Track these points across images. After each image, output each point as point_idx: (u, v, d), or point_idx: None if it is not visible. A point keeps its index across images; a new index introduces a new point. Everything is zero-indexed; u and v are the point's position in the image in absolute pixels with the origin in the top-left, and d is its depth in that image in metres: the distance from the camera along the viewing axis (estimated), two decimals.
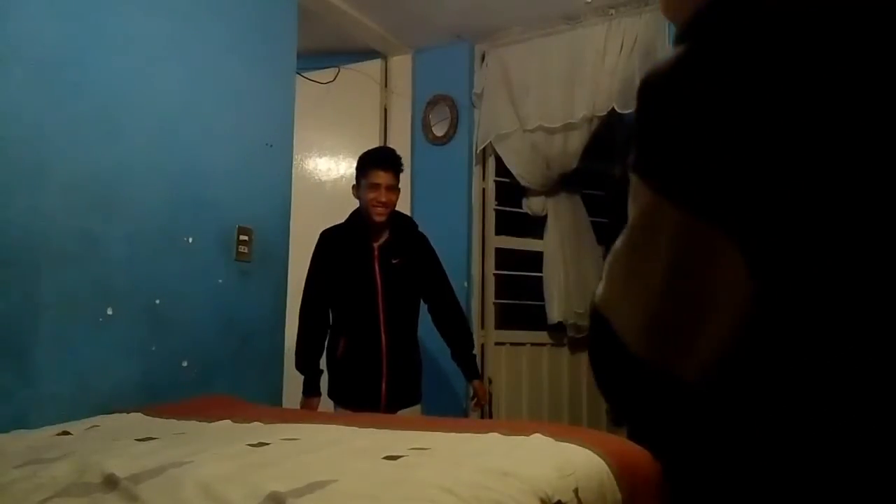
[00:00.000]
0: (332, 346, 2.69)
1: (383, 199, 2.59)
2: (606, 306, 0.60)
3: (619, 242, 0.59)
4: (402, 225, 2.78)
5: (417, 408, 2.87)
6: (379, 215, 2.60)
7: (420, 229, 2.90)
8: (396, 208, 2.74)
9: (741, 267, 0.51)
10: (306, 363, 2.61)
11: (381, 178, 2.59)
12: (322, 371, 2.67)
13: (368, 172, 2.61)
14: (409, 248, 2.74)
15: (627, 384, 0.61)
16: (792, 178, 0.50)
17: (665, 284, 0.54)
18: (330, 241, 2.70)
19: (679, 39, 0.58)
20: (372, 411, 2.51)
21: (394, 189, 2.65)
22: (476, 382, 2.89)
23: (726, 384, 0.55)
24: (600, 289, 0.61)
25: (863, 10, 0.52)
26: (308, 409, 2.55)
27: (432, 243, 2.96)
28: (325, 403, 2.70)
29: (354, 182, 2.70)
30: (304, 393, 2.60)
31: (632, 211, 0.57)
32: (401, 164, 2.70)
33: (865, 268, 0.50)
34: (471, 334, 2.95)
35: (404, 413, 2.73)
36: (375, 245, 2.65)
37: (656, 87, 0.57)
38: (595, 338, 0.62)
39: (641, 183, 0.56)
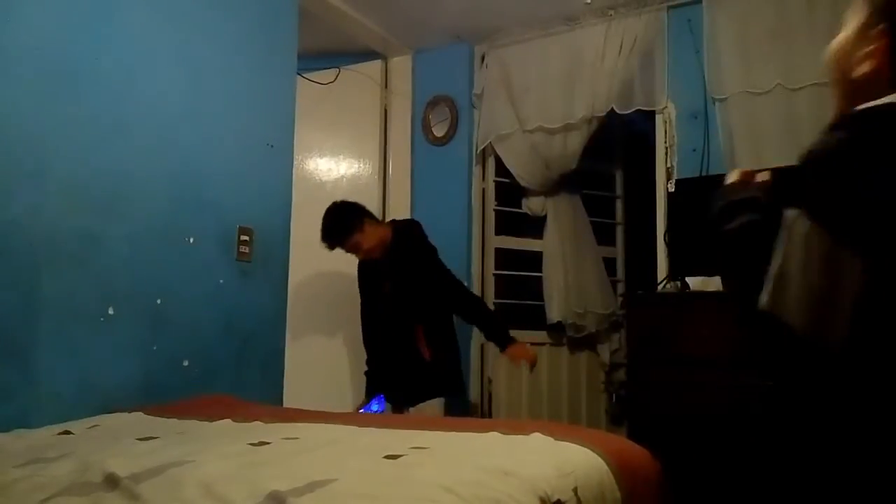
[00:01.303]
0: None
1: (359, 257, 2.91)
2: (775, 306, 0.90)
3: (775, 266, 0.90)
4: (396, 244, 2.92)
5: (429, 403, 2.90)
6: (364, 257, 2.91)
7: (419, 231, 3.00)
8: (398, 213, 3.00)
9: (859, 272, 0.85)
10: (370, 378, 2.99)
11: (332, 248, 2.84)
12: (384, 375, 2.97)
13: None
14: (401, 266, 2.89)
15: (789, 355, 0.94)
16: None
17: (819, 286, 0.87)
18: (359, 267, 3.04)
19: (837, 126, 0.96)
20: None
21: (353, 247, 2.85)
22: (510, 349, 2.96)
23: (853, 351, 0.88)
24: (766, 297, 0.91)
25: None
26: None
27: (432, 243, 2.97)
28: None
29: None
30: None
31: (787, 240, 0.90)
32: (336, 236, 2.82)
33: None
34: (489, 311, 3.18)
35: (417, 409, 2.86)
36: (381, 270, 2.91)
37: (826, 159, 0.92)
38: (767, 329, 0.94)
39: (807, 220, 0.88)
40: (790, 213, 0.90)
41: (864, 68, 1.02)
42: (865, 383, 0.89)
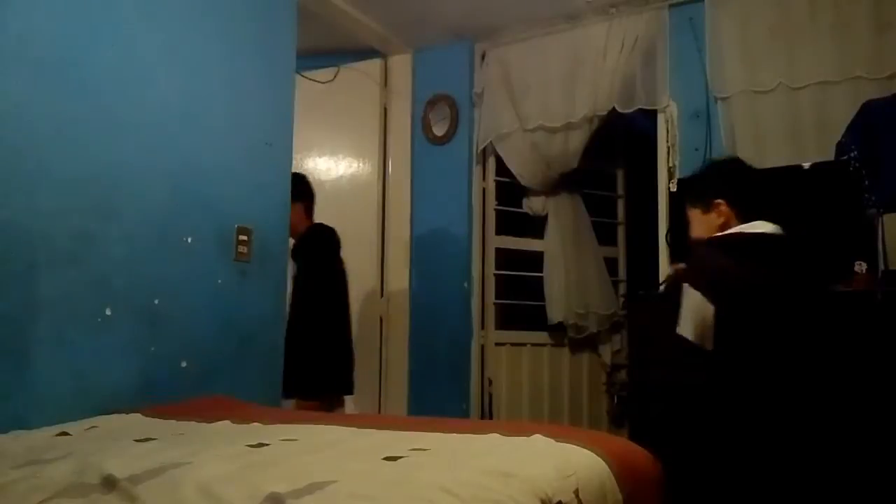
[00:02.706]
0: None
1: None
2: (682, 331, 1.84)
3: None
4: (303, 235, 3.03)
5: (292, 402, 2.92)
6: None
7: (319, 235, 3.06)
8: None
9: (714, 312, 1.78)
10: None
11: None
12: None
13: None
14: (299, 256, 2.99)
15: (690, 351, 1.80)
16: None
17: (700, 320, 1.81)
18: None
19: (707, 244, 1.99)
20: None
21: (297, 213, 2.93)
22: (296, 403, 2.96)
23: (717, 352, 1.79)
24: (678, 327, 1.85)
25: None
26: None
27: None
28: None
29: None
30: None
31: (685, 298, 1.85)
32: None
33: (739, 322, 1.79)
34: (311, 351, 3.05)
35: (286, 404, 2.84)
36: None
37: (696, 261, 2.00)
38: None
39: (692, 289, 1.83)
40: (685, 286, 1.86)
41: (719, 220, 2.01)
42: (725, 368, 1.75)
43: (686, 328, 1.81)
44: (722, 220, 1.99)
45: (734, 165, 2.17)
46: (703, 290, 1.78)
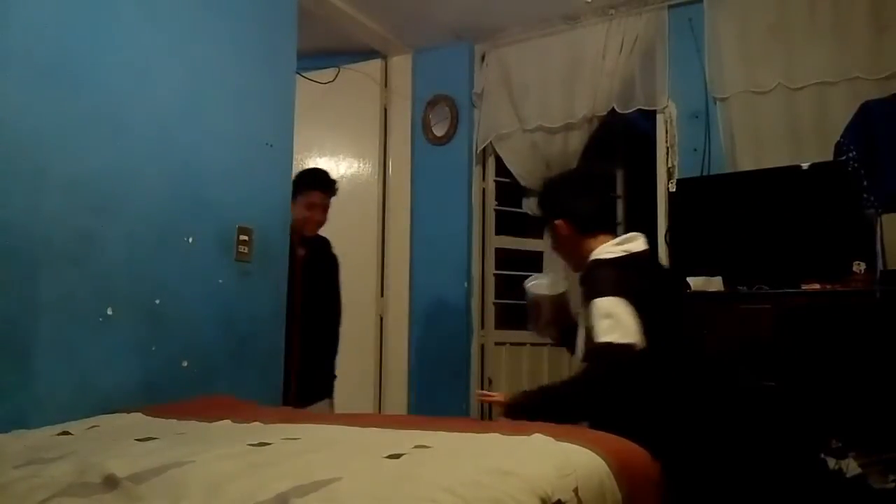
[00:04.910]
0: None
1: (318, 219, 2.93)
2: (608, 338, 1.72)
3: (605, 324, 1.74)
4: (320, 242, 3.04)
5: (326, 402, 2.96)
6: (311, 231, 2.92)
7: (333, 251, 3.09)
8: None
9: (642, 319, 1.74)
10: None
11: (319, 198, 2.91)
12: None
13: (308, 191, 2.89)
14: (326, 260, 3.02)
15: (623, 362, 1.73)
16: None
17: (621, 320, 1.74)
18: None
19: (599, 266, 1.91)
20: (286, 403, 2.71)
21: (327, 209, 2.96)
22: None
23: (645, 353, 1.73)
24: (611, 336, 1.73)
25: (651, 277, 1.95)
26: None
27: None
28: None
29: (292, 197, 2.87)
30: None
31: (604, 310, 1.76)
32: (335, 188, 3.00)
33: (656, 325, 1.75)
34: (333, 356, 3.08)
35: (314, 408, 2.85)
36: (300, 254, 2.89)
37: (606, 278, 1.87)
38: (606, 351, 1.73)
39: (614, 298, 1.76)
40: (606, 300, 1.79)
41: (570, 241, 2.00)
42: (651, 365, 1.72)
43: (613, 333, 1.71)
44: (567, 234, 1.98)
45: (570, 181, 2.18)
46: (623, 293, 1.73)
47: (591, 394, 1.75)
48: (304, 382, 2.85)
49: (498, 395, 1.94)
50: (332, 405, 3.02)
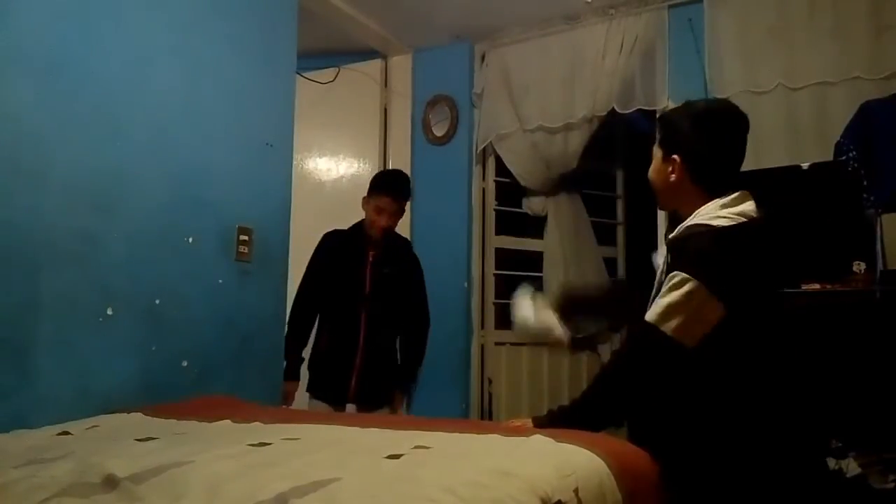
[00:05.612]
0: (317, 340, 2.90)
1: (384, 224, 2.82)
2: (660, 321, 1.50)
3: (669, 303, 1.50)
4: (399, 244, 2.99)
5: (386, 410, 2.93)
6: (377, 234, 2.84)
7: (414, 251, 3.06)
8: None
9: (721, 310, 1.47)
10: (290, 349, 2.75)
11: (388, 204, 2.81)
12: (303, 359, 2.87)
13: (378, 194, 2.82)
14: (402, 264, 2.95)
15: (661, 356, 1.52)
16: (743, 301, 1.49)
17: (690, 311, 1.47)
18: (330, 241, 2.93)
19: (714, 236, 1.54)
20: (340, 406, 2.78)
21: (398, 214, 2.86)
22: (396, 393, 3.01)
23: (701, 356, 1.48)
24: (655, 315, 1.51)
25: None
26: (286, 393, 2.74)
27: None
28: (302, 394, 2.87)
29: (366, 194, 2.89)
30: (283, 377, 2.71)
31: (679, 289, 1.49)
32: (409, 193, 2.92)
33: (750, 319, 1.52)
34: (419, 365, 3.07)
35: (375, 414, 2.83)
36: (371, 254, 2.86)
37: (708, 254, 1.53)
38: (647, 338, 1.53)
39: (701, 286, 1.47)
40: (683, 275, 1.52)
41: (672, 178, 1.77)
42: (717, 368, 1.52)
43: (669, 319, 1.46)
44: (675, 178, 1.71)
45: (716, 113, 1.81)
46: (716, 286, 1.44)
47: (618, 382, 1.56)
48: (366, 386, 2.82)
49: (521, 422, 1.65)
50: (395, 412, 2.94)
